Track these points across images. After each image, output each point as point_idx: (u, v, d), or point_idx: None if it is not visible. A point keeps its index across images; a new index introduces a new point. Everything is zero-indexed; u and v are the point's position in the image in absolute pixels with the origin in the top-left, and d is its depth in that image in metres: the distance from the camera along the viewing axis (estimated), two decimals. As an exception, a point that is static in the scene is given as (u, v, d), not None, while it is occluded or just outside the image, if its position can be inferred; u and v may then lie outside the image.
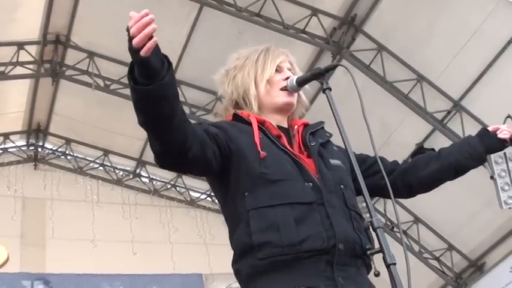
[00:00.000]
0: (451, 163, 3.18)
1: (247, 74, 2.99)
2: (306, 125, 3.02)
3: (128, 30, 2.35)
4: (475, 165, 3.24)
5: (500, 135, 3.22)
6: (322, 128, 3.04)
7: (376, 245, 2.50)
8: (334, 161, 2.90)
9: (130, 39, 2.34)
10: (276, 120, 2.97)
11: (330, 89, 2.77)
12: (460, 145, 3.28)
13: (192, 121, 2.74)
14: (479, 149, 3.21)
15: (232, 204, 2.77)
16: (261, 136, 2.81)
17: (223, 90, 3.06)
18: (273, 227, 2.62)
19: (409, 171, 3.17)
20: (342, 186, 2.82)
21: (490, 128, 3.26)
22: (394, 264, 2.38)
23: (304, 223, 2.63)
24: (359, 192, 2.69)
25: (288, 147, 2.84)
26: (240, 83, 3.00)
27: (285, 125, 3.01)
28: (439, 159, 3.19)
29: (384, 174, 2.65)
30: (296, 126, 3.00)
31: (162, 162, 2.61)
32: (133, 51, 2.34)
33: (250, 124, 2.86)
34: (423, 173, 3.16)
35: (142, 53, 2.33)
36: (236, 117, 2.94)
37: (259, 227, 2.64)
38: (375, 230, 2.47)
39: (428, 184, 3.22)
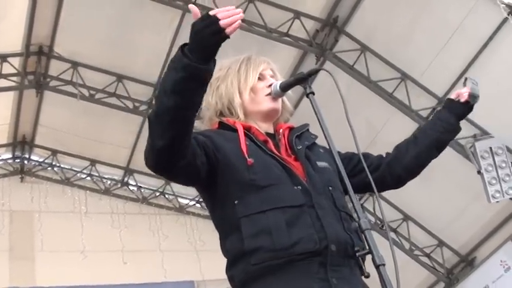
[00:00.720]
0: (429, 143, 3.24)
1: (231, 83, 3.02)
2: (291, 129, 3.05)
3: (205, 17, 2.48)
4: (452, 137, 3.32)
5: (462, 99, 3.31)
6: (308, 130, 3.07)
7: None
8: (321, 163, 2.92)
9: (211, 22, 2.47)
10: (261, 127, 2.99)
11: (313, 93, 2.79)
12: (432, 123, 3.35)
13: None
14: (451, 119, 3.28)
15: (223, 213, 2.78)
16: (248, 142, 2.83)
17: (206, 101, 3.06)
18: (265, 232, 2.63)
19: (393, 162, 3.20)
20: (330, 187, 2.84)
21: (453, 96, 3.36)
22: (384, 265, 2.39)
23: (295, 226, 2.64)
24: (347, 192, 2.70)
25: (275, 151, 2.85)
26: (223, 93, 3.02)
27: (271, 131, 3.03)
28: (417, 143, 3.25)
29: (368, 172, 2.68)
30: (281, 130, 3.02)
31: (158, 159, 2.59)
32: (214, 32, 2.46)
33: (236, 131, 2.87)
34: (406, 160, 3.21)
35: (228, 31, 2.47)
36: (222, 125, 2.96)
37: (250, 232, 2.65)
38: (362, 232, 2.48)
39: (415, 169, 3.27)
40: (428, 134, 3.26)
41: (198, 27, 2.47)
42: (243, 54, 3.13)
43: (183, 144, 2.56)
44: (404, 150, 3.24)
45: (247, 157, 2.75)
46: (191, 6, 2.58)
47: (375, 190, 2.66)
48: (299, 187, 2.75)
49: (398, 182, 3.23)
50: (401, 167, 3.20)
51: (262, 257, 2.61)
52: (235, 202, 2.72)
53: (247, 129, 2.90)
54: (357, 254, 2.60)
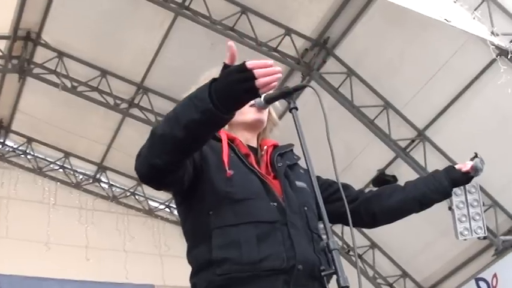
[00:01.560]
0: (416, 195, 3.20)
1: None
2: (275, 147, 3.05)
3: (242, 69, 2.37)
4: (440, 199, 3.26)
5: (463, 169, 3.26)
6: (291, 150, 3.06)
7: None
8: (300, 183, 2.93)
9: (247, 78, 2.36)
10: (245, 138, 2.99)
11: (296, 108, 2.78)
12: (425, 178, 3.31)
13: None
14: (445, 182, 3.22)
15: (195, 221, 2.78)
16: (231, 154, 2.82)
17: None
18: (234, 245, 2.63)
19: (373, 199, 3.19)
20: (305, 208, 2.84)
21: (456, 166, 3.32)
22: (347, 287, 2.40)
23: (265, 242, 2.65)
24: (320, 217, 2.68)
25: (256, 166, 2.85)
26: None
27: (254, 144, 3.04)
28: (404, 191, 3.22)
29: (345, 200, 2.64)
30: (266, 147, 3.02)
31: (149, 173, 2.55)
32: (248, 89, 2.37)
33: (220, 140, 2.86)
34: (387, 202, 3.18)
35: (262, 91, 2.39)
36: None
37: (220, 243, 2.65)
38: (330, 252, 2.47)
39: (392, 214, 3.24)
40: (417, 187, 3.22)
41: (233, 78, 2.37)
42: (219, 56, 3.10)
43: (177, 167, 2.56)
44: (388, 193, 3.23)
45: (227, 168, 2.75)
46: (231, 43, 2.46)
47: (350, 219, 2.60)
48: (275, 204, 2.75)
49: (371, 220, 3.20)
50: (379, 206, 3.17)
51: (229, 268, 2.61)
52: (210, 213, 2.72)
53: (231, 140, 2.90)
54: (322, 273, 2.58)
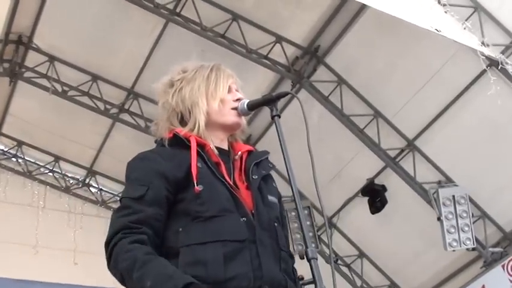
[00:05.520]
0: None
1: (197, 88, 2.94)
2: (249, 152, 2.99)
3: None
4: None
5: None
6: (267, 158, 3.00)
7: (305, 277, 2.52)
8: (271, 198, 2.88)
9: None
10: (218, 138, 2.93)
11: (279, 116, 2.79)
12: None
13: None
14: None
15: (166, 236, 2.72)
16: (200, 164, 2.76)
17: (165, 100, 2.99)
18: (201, 263, 2.59)
19: None
20: (276, 224, 2.80)
21: None
22: (326, 296, 2.39)
23: (233, 261, 2.61)
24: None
25: (226, 177, 2.79)
26: (187, 96, 2.93)
27: (225, 146, 2.97)
28: None
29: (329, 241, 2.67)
30: (240, 153, 2.96)
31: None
32: None
33: (188, 147, 2.80)
34: None
35: None
36: (175, 137, 2.86)
37: (187, 261, 2.61)
38: (309, 261, 2.47)
39: None
40: None
41: None
42: (209, 62, 3.06)
43: None
44: None
45: (195, 183, 2.69)
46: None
47: (331, 251, 2.65)
48: (244, 219, 2.70)
49: None
50: None
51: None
52: (180, 229, 2.68)
53: (202, 147, 2.83)
54: (301, 281, 2.59)
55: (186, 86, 2.96)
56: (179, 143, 2.83)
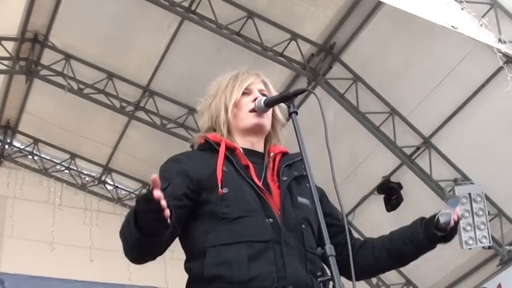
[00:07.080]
0: (389, 252, 3.03)
1: (219, 100, 3.02)
2: (284, 154, 3.01)
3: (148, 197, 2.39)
4: (415, 254, 3.08)
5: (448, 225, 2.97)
6: (301, 159, 2.93)
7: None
8: (302, 199, 2.88)
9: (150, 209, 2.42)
10: (250, 142, 2.98)
11: (296, 112, 2.79)
12: (403, 230, 3.09)
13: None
14: (421, 235, 3.01)
15: (193, 238, 2.79)
16: (226, 168, 2.81)
17: (203, 120, 3.10)
18: (226, 263, 2.65)
19: (361, 254, 3.04)
20: (303, 226, 2.81)
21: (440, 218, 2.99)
22: (343, 294, 2.40)
23: (257, 261, 2.65)
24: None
25: (255, 179, 2.83)
26: (213, 110, 3.03)
27: (260, 149, 3.01)
28: (390, 255, 3.04)
29: (348, 235, 2.68)
30: (272, 154, 2.99)
31: (142, 262, 2.79)
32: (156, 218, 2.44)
33: (218, 152, 2.86)
34: (374, 261, 3.03)
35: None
36: (206, 142, 2.95)
37: (213, 262, 2.67)
38: (326, 258, 2.48)
39: (375, 272, 3.25)
40: (394, 241, 3.05)
41: (141, 208, 2.46)
42: (236, 70, 3.12)
43: (157, 250, 2.70)
44: (377, 254, 3.04)
45: (220, 186, 2.75)
46: (154, 176, 2.39)
47: (350, 251, 2.61)
48: (270, 220, 2.73)
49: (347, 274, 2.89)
50: (366, 263, 3.02)
51: (219, 286, 2.64)
52: (208, 231, 2.74)
53: (232, 150, 2.89)
54: (319, 279, 2.60)
55: (212, 101, 3.06)
56: (209, 147, 2.91)
